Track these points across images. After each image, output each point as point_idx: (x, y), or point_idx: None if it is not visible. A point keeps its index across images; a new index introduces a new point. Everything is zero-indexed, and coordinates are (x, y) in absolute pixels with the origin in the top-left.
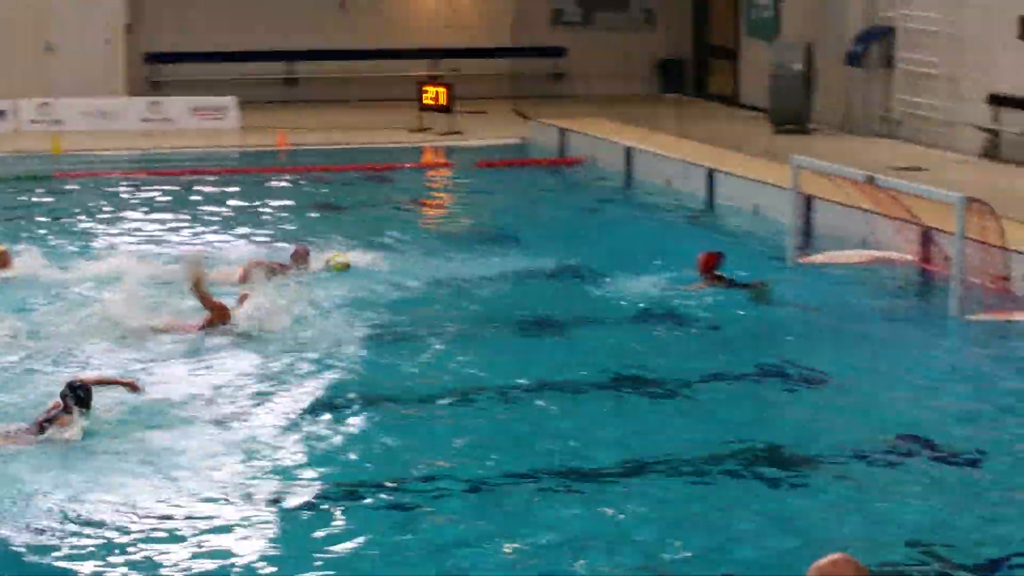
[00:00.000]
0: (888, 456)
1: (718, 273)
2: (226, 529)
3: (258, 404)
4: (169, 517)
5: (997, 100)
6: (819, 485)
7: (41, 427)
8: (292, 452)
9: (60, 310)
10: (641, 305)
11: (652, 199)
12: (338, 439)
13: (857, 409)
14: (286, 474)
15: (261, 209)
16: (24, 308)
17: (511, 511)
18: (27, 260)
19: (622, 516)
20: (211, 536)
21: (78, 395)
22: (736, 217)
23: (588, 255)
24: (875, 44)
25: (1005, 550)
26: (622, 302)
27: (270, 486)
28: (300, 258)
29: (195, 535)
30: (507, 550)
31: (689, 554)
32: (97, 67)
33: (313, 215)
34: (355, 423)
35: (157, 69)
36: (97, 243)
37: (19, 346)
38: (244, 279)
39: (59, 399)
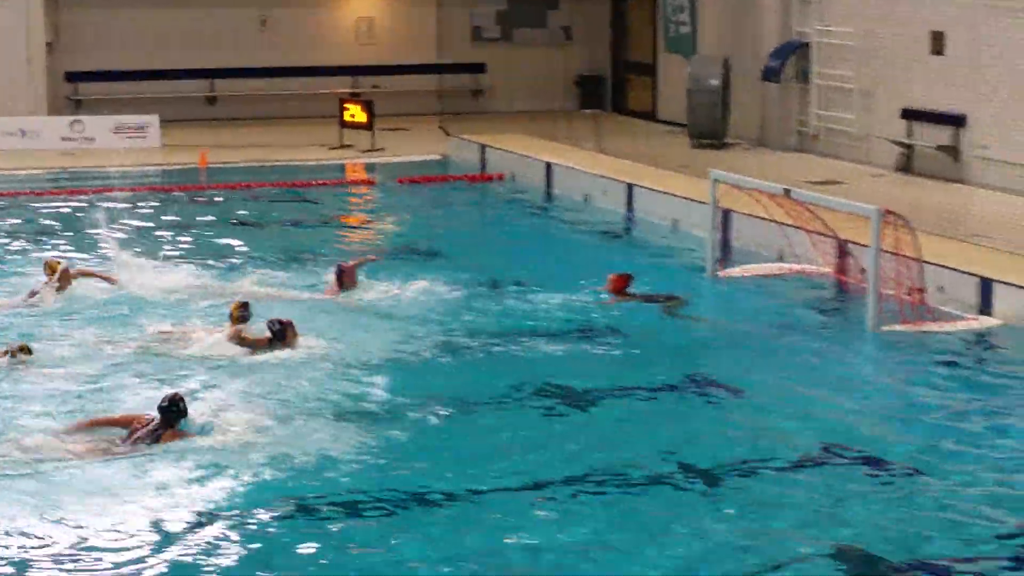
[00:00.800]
0: (807, 466)
1: (630, 291)
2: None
3: None
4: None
5: (911, 115)
6: (738, 497)
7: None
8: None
9: None
10: (560, 319)
11: (572, 214)
12: (257, 456)
13: (775, 421)
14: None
15: (183, 227)
16: None
17: (421, 530)
18: None
19: (529, 535)
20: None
21: (180, 408)
22: (655, 231)
23: (508, 270)
24: (791, 59)
25: (930, 553)
26: (541, 317)
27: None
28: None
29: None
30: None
31: (604, 574)
32: (18, 86)
33: (235, 232)
34: (277, 439)
35: (78, 88)
36: (16, 262)
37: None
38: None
39: (154, 414)
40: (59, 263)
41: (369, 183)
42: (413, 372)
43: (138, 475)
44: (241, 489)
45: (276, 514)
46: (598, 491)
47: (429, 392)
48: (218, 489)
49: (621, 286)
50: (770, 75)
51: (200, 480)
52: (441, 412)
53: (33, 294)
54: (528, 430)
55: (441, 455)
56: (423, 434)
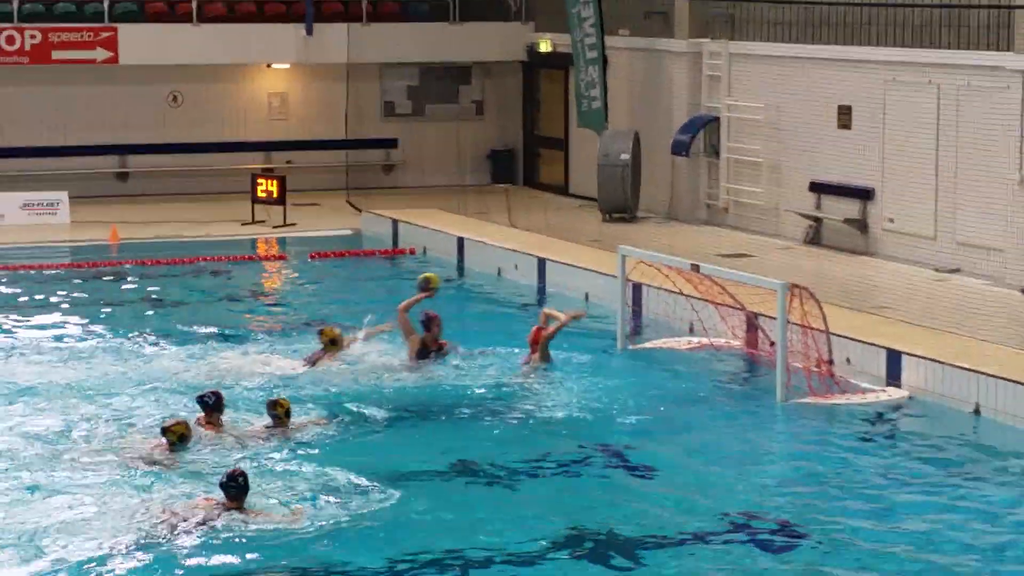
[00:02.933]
0: (717, 538)
1: (546, 334)
2: None
3: None
4: None
5: (819, 188)
6: (645, 569)
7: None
8: None
9: None
10: (472, 392)
11: (484, 288)
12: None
13: (682, 493)
14: None
15: (94, 304)
16: None
17: None
18: None
19: None
20: None
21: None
22: (568, 304)
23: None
24: (700, 133)
25: None
26: (453, 390)
27: None
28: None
29: None
30: None
31: None
32: None
33: (147, 309)
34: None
35: None
36: None
37: None
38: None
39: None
40: (336, 330)
41: (281, 258)
42: (329, 446)
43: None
44: None
45: None
46: (507, 564)
47: (338, 465)
48: None
49: (538, 335)
50: (679, 149)
51: None
52: (346, 486)
53: (313, 362)
54: (436, 501)
55: (347, 531)
56: (329, 507)
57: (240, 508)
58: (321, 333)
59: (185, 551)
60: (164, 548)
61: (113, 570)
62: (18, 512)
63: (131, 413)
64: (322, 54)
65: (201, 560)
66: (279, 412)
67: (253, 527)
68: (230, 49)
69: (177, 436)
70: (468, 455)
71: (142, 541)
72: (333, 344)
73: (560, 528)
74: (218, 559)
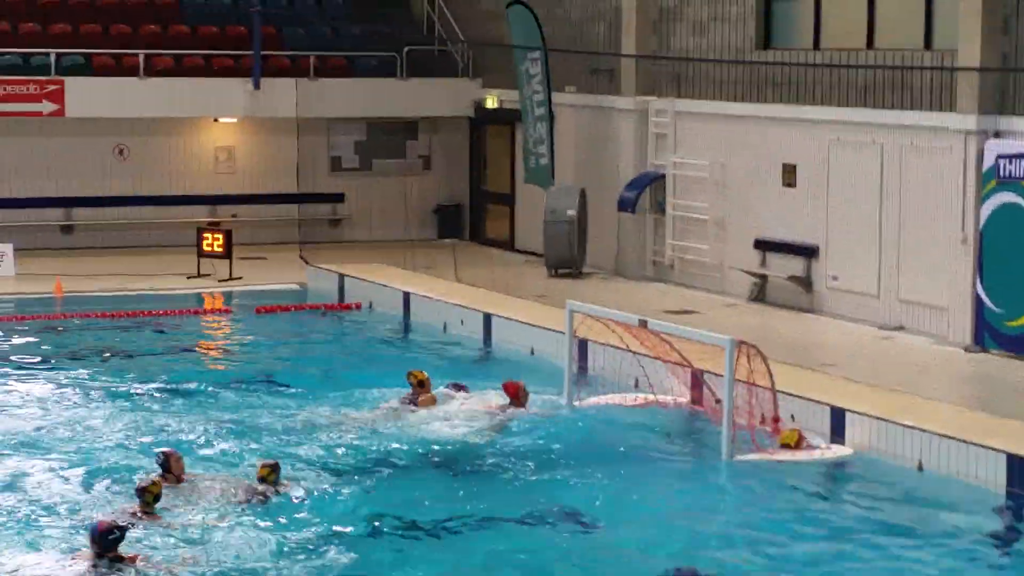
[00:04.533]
0: None
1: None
2: None
3: None
4: None
5: (764, 245)
6: None
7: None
8: None
9: None
10: (415, 448)
11: (430, 343)
12: None
13: (627, 550)
14: None
15: (38, 357)
16: None
17: None
18: None
19: None
20: None
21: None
22: (513, 360)
23: (363, 399)
24: (647, 190)
25: None
26: (399, 446)
27: None
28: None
29: None
30: None
31: None
32: None
33: (91, 363)
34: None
35: None
36: None
37: None
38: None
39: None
40: (423, 373)
41: (226, 312)
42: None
43: None
44: None
45: None
46: None
47: (282, 526)
48: None
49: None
50: (626, 206)
51: None
52: (282, 548)
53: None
54: (381, 557)
55: None
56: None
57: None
58: (410, 375)
59: None
60: None
61: None
62: None
63: (71, 465)
64: (270, 108)
65: None
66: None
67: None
68: (177, 103)
69: (153, 496)
70: (414, 509)
71: None
72: (421, 386)
73: None
74: None
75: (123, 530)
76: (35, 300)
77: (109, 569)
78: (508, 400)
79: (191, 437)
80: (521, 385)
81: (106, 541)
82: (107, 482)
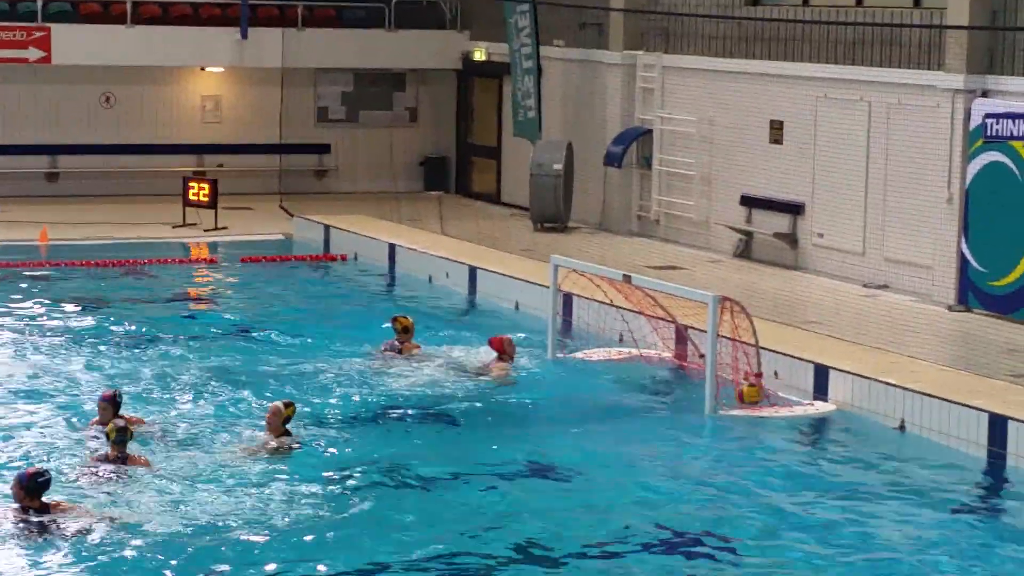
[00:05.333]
0: (642, 548)
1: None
2: None
3: None
4: None
5: (750, 202)
6: None
7: None
8: None
9: None
10: (401, 399)
11: (415, 295)
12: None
13: (609, 503)
14: None
15: (21, 305)
16: None
17: None
18: None
19: None
20: None
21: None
22: (497, 313)
23: (348, 351)
24: (633, 145)
25: None
26: (379, 397)
27: None
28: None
29: None
30: None
31: None
32: None
33: (75, 311)
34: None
35: None
36: None
37: None
38: None
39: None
40: (408, 319)
41: (211, 262)
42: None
43: None
44: None
45: None
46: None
47: (276, 474)
48: None
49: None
50: (612, 160)
51: None
52: (287, 491)
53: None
54: (362, 513)
55: (276, 538)
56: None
57: (42, 505)
58: (394, 321)
59: None
60: None
61: None
62: None
63: (52, 414)
64: (256, 58)
65: None
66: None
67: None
68: (164, 51)
69: (117, 433)
70: (396, 460)
71: None
72: (406, 332)
73: (482, 536)
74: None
75: (49, 475)
76: (20, 247)
77: (40, 518)
78: (495, 354)
79: (175, 386)
80: (507, 339)
81: (34, 485)
82: (86, 431)
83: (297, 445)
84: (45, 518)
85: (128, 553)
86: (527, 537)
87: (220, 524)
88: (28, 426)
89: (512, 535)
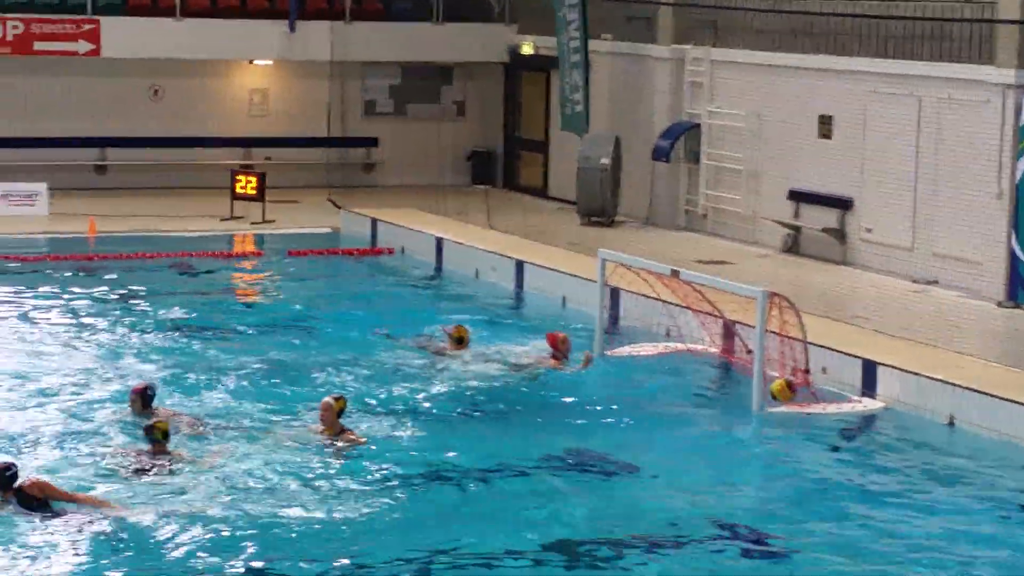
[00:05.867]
0: (691, 543)
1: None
2: None
3: None
4: None
5: (798, 196)
6: (624, 573)
7: None
8: None
9: None
10: (448, 395)
11: (462, 289)
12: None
13: (655, 499)
14: None
15: (69, 297)
16: None
17: None
18: None
19: None
20: None
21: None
22: (544, 308)
23: (393, 345)
24: (681, 139)
25: None
26: (432, 391)
27: None
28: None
29: None
30: None
31: None
32: None
33: (122, 303)
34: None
35: None
36: None
37: None
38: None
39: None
40: (465, 331)
41: (258, 255)
42: (300, 451)
43: None
44: None
45: None
46: (482, 566)
47: (320, 470)
48: None
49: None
50: (660, 155)
51: None
52: (324, 488)
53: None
54: (416, 506)
55: (319, 535)
56: (315, 513)
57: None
58: (455, 328)
59: None
60: None
61: None
62: None
63: (98, 406)
64: (304, 51)
65: None
66: (156, 436)
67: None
68: (212, 44)
69: (162, 433)
70: (441, 454)
71: None
72: (460, 343)
73: (537, 531)
74: None
75: (15, 467)
76: (68, 240)
77: (18, 506)
78: (549, 351)
79: (222, 379)
80: (563, 337)
81: (3, 479)
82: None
83: (363, 440)
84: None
85: (158, 543)
86: (573, 532)
87: (276, 515)
88: (75, 415)
89: (558, 529)
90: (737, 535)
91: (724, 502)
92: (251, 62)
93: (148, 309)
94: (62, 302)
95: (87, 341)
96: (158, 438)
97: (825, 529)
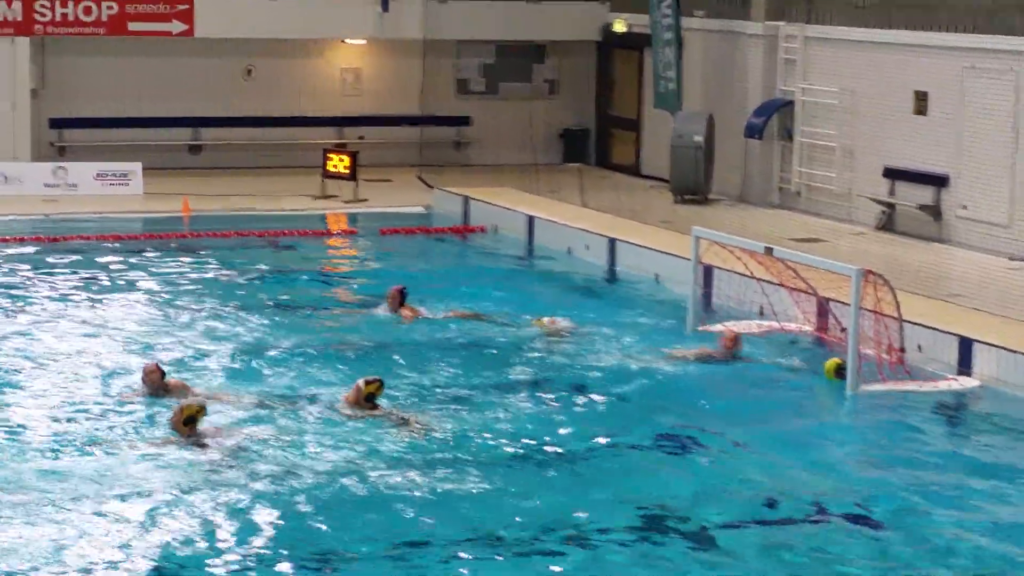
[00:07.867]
0: (789, 522)
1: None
2: None
3: None
4: None
5: (893, 174)
6: (720, 551)
7: None
8: None
9: None
10: (541, 371)
11: (554, 267)
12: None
13: (752, 478)
14: None
15: (164, 276)
16: None
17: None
18: None
19: None
20: None
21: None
22: (637, 286)
23: (490, 324)
24: (774, 117)
25: None
26: (521, 368)
27: None
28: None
29: None
30: None
31: None
32: (2, 132)
33: (216, 281)
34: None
35: (62, 134)
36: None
37: None
38: None
39: None
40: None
41: (351, 233)
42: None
43: None
44: None
45: None
46: (574, 546)
47: (402, 448)
48: None
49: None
50: (753, 132)
51: None
52: (404, 467)
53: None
54: (509, 485)
55: (403, 510)
56: (423, 487)
57: None
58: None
59: None
60: None
61: None
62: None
63: (200, 382)
64: (397, 30)
65: None
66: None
67: None
68: (305, 23)
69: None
70: (535, 432)
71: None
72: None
73: (629, 509)
74: None
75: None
76: (162, 219)
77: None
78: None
79: (313, 356)
80: (736, 335)
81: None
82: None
83: (418, 424)
84: None
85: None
86: (667, 509)
87: (337, 488)
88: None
89: (651, 507)
90: (830, 514)
91: (818, 482)
92: (344, 41)
93: (241, 288)
94: (157, 281)
95: (180, 319)
96: (192, 420)
97: (919, 508)
